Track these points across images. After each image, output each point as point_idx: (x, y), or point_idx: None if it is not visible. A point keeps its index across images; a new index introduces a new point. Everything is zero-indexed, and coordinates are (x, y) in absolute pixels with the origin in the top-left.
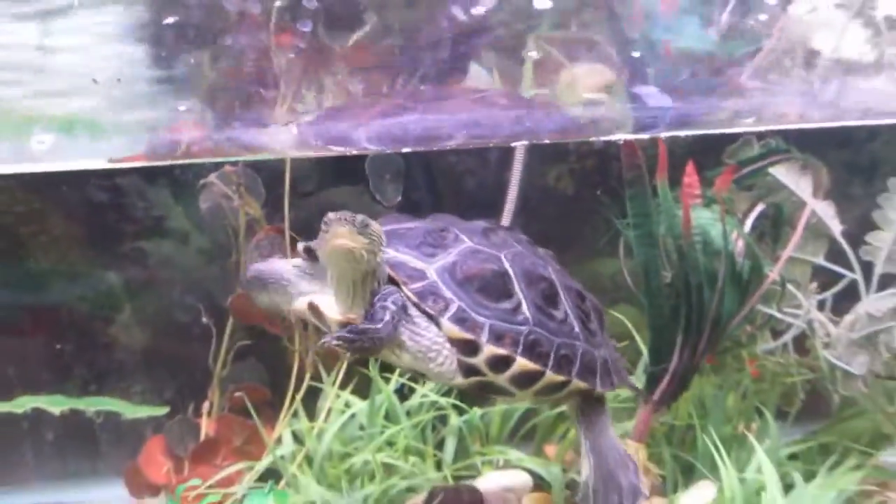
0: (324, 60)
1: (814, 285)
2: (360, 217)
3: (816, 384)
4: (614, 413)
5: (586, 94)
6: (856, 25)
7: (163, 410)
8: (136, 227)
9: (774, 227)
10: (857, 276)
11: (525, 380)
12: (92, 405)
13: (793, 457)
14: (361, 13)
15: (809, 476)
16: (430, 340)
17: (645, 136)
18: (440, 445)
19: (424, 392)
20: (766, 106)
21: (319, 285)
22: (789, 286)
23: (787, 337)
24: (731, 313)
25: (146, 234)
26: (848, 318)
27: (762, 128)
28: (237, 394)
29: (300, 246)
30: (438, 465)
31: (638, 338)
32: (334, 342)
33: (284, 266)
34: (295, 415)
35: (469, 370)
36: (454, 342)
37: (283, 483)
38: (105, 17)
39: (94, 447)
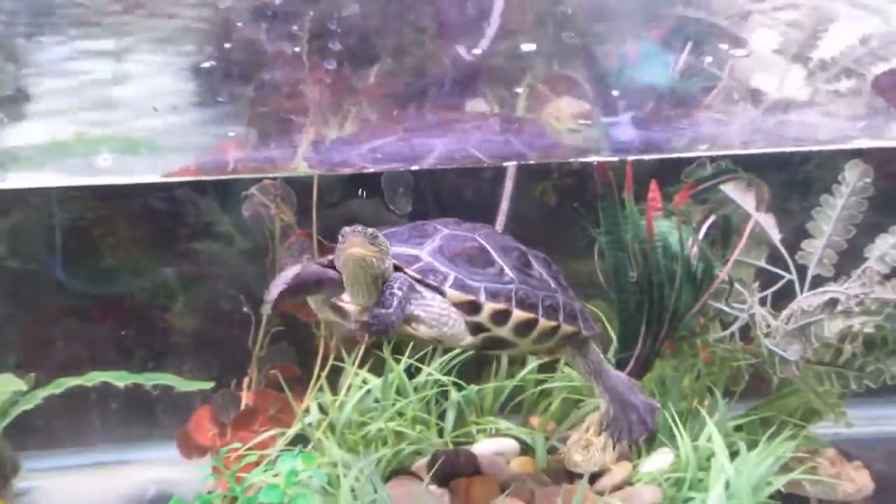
0: (346, 93)
1: (756, 284)
2: (370, 230)
3: (758, 367)
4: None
5: (567, 124)
6: (795, 67)
7: (209, 385)
8: (189, 230)
9: (724, 235)
10: (793, 276)
11: (523, 328)
12: (150, 380)
13: (738, 428)
14: (378, 54)
15: (752, 445)
16: (438, 308)
17: (615, 158)
18: (442, 416)
19: (429, 371)
20: (718, 135)
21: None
22: (736, 285)
23: (734, 328)
24: (686, 307)
25: (197, 237)
26: (785, 312)
27: (714, 153)
28: (272, 371)
29: (324, 259)
30: (441, 433)
31: (609, 328)
32: (355, 327)
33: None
34: (320, 389)
35: (476, 328)
36: (459, 305)
37: (310, 447)
38: (165, 56)
39: (151, 415)
